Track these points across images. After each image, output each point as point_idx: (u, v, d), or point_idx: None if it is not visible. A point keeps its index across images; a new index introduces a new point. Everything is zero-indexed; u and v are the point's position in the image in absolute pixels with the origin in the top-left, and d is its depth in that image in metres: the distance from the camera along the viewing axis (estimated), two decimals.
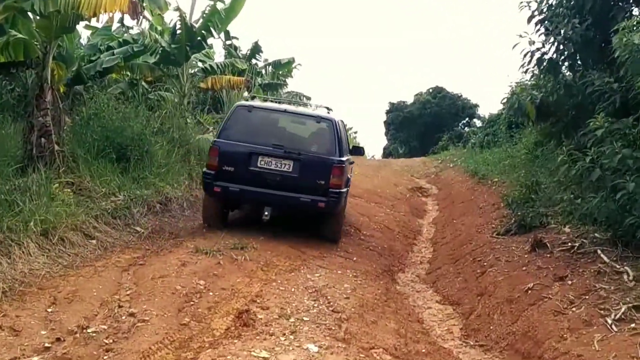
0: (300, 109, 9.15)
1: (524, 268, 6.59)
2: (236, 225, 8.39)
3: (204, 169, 8.06)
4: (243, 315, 4.85)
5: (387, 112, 48.82)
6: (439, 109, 44.43)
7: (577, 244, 6.68)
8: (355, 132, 38.52)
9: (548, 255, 6.73)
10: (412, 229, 11.46)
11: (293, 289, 5.84)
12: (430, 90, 47.69)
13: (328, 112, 8.79)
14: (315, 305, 5.45)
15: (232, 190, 7.84)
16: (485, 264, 7.42)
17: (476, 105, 46.02)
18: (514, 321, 5.48)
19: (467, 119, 46.20)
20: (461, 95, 46.81)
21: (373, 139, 76.89)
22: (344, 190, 8.19)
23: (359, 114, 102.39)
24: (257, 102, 9.06)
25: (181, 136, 11.21)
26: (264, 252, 7.06)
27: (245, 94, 16.68)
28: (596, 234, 6.69)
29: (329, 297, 5.71)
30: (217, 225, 8.16)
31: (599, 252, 6.17)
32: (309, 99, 25.89)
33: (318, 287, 6.02)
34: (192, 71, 13.82)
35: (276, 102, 9.65)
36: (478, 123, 37.66)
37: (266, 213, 7.99)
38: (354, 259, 7.77)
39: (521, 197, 8.98)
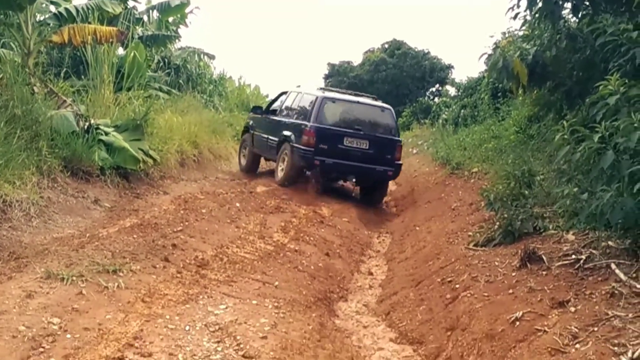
0: (367, 100, 16.30)
1: (510, 291, 6.67)
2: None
3: (301, 146, 14.68)
4: None
5: (326, 78, 49.15)
6: (397, 71, 44.99)
7: (583, 256, 6.75)
8: None
9: (544, 273, 6.81)
10: (359, 241, 11.60)
11: (187, 327, 5.81)
12: (386, 46, 48.15)
13: (375, 100, 16.58)
14: (219, 349, 5.42)
15: (327, 163, 14.60)
16: (457, 286, 7.50)
17: (450, 67, 46.75)
18: None
19: (437, 85, 46.82)
20: (428, 53, 47.46)
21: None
22: (401, 162, 15.87)
23: (287, 81, 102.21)
24: (333, 94, 16.25)
25: (26, 112, 10.95)
26: (146, 275, 7.00)
27: (120, 51, 16.48)
28: (609, 242, 6.78)
29: (238, 338, 5.70)
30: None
31: (612, 266, 6.24)
32: (212, 57, 25.83)
33: (223, 323, 6.00)
34: (41, 18, 13.54)
35: (342, 92, 17.47)
36: (452, 91, 38.16)
37: (354, 180, 15.84)
38: (275, 283, 7.78)
39: (508, 193, 9.13)
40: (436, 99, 42.01)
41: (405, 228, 12.18)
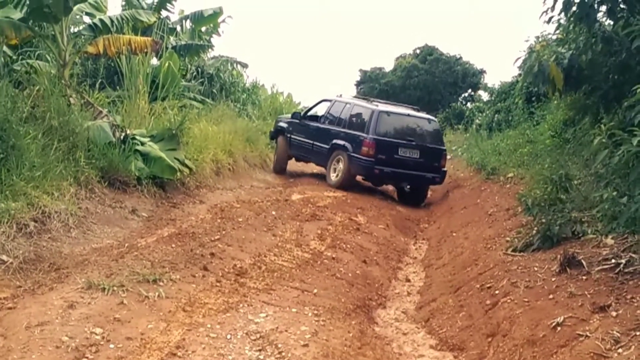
0: (416, 113, 18.03)
1: (550, 296, 6.65)
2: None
3: (361, 156, 16.18)
4: None
5: (358, 84, 49.07)
6: (429, 77, 44.79)
7: (623, 261, 6.70)
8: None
9: (584, 277, 6.78)
10: (396, 248, 11.56)
11: (229, 336, 5.83)
12: (418, 52, 47.99)
13: (418, 111, 18.51)
14: (262, 357, 5.45)
15: (386, 172, 16.38)
16: (497, 292, 7.48)
17: (482, 72, 46.44)
18: None
19: (469, 90, 46.56)
20: (460, 58, 47.17)
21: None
22: (446, 169, 17.56)
23: (319, 89, 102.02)
24: (387, 107, 17.75)
25: (62, 124, 11.03)
26: (185, 284, 7.05)
27: (154, 61, 16.61)
28: None
29: (279, 346, 5.72)
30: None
31: None
32: (245, 66, 25.92)
33: (264, 331, 6.02)
34: (76, 29, 13.65)
35: (389, 103, 19.31)
36: (485, 96, 37.98)
37: (408, 187, 17.19)
38: (314, 291, 7.80)
39: (546, 198, 9.09)
40: (469, 104, 41.83)
41: (442, 234, 12.16)
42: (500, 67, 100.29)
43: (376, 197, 16.39)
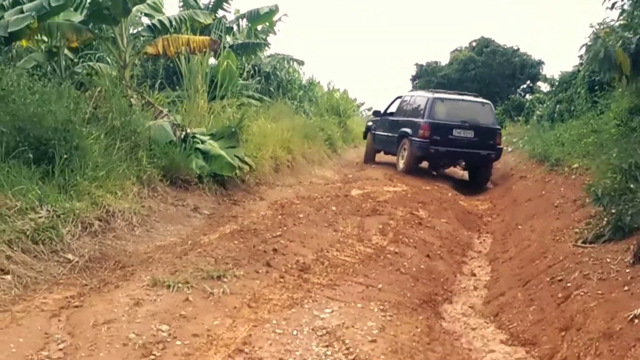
0: (469, 97, 19.97)
1: (625, 288, 6.49)
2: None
3: (418, 139, 18.44)
4: None
5: (414, 79, 48.91)
6: (487, 69, 44.42)
7: None
8: (369, 110, 38.48)
9: None
10: (459, 242, 11.43)
11: (295, 332, 5.79)
12: (474, 44, 47.71)
13: (477, 97, 20.20)
14: (329, 353, 5.39)
15: (441, 151, 18.25)
16: (569, 284, 7.30)
17: (540, 63, 45.91)
18: None
19: (528, 82, 46.08)
20: (518, 49, 46.71)
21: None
22: (502, 146, 19.42)
23: (375, 84, 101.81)
24: (442, 94, 19.85)
25: (124, 124, 11.15)
26: (249, 280, 7.03)
27: (212, 60, 16.68)
28: None
29: (347, 342, 5.65)
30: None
31: None
32: (301, 63, 26.00)
33: (330, 327, 5.96)
34: (135, 31, 13.75)
35: (449, 92, 21.05)
36: (545, 87, 37.53)
37: (463, 163, 19.26)
38: (379, 286, 7.71)
39: (615, 188, 8.86)
40: (528, 96, 41.38)
41: (507, 227, 11.98)
42: (559, 58, 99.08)
43: (437, 191, 16.21)
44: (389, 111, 22.33)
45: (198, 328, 5.64)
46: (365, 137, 24.30)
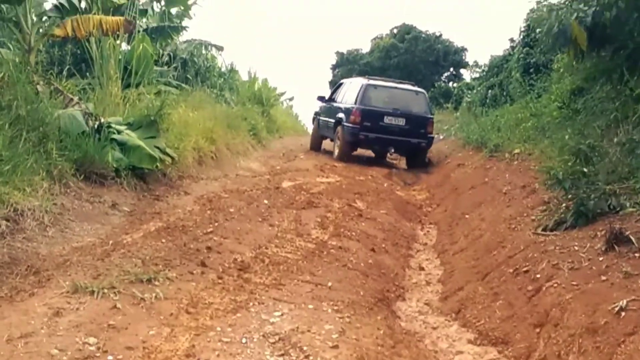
0: (403, 85, 20.94)
1: (602, 277, 6.19)
2: None
3: (349, 124, 19.10)
4: None
5: (335, 67, 48.96)
6: (409, 56, 44.95)
7: None
8: (290, 100, 38.18)
9: (636, 255, 6.36)
10: (403, 234, 11.24)
11: (244, 340, 5.37)
12: (395, 31, 48.00)
13: (413, 86, 20.99)
14: None
15: (371, 137, 19.01)
16: (538, 276, 7.00)
17: (464, 50, 46.49)
18: None
19: (451, 69, 46.61)
20: (440, 35, 47.26)
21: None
22: (434, 135, 20.48)
23: (295, 73, 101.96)
24: (376, 81, 20.59)
25: (31, 112, 10.46)
26: (184, 283, 6.60)
27: (124, 45, 16.07)
28: None
29: (305, 349, 5.26)
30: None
31: None
32: (220, 49, 25.65)
33: (283, 333, 5.56)
34: (40, 12, 13.09)
35: (384, 79, 21.98)
36: (469, 75, 37.96)
37: (392, 151, 20.04)
38: (328, 284, 7.36)
39: (569, 171, 8.65)
40: (452, 84, 41.80)
41: (451, 217, 11.84)
42: (484, 44, 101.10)
43: (372, 181, 16.13)
44: (332, 97, 22.93)
45: (131, 340, 5.16)
46: (313, 123, 25.05)
